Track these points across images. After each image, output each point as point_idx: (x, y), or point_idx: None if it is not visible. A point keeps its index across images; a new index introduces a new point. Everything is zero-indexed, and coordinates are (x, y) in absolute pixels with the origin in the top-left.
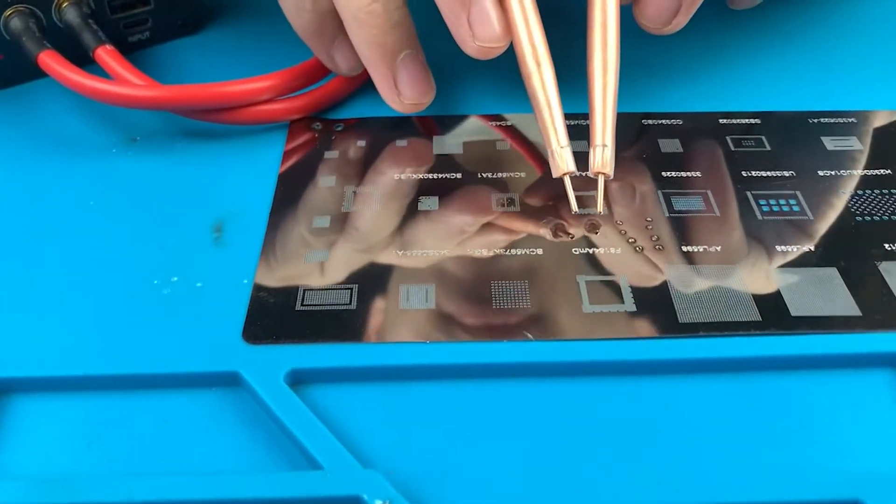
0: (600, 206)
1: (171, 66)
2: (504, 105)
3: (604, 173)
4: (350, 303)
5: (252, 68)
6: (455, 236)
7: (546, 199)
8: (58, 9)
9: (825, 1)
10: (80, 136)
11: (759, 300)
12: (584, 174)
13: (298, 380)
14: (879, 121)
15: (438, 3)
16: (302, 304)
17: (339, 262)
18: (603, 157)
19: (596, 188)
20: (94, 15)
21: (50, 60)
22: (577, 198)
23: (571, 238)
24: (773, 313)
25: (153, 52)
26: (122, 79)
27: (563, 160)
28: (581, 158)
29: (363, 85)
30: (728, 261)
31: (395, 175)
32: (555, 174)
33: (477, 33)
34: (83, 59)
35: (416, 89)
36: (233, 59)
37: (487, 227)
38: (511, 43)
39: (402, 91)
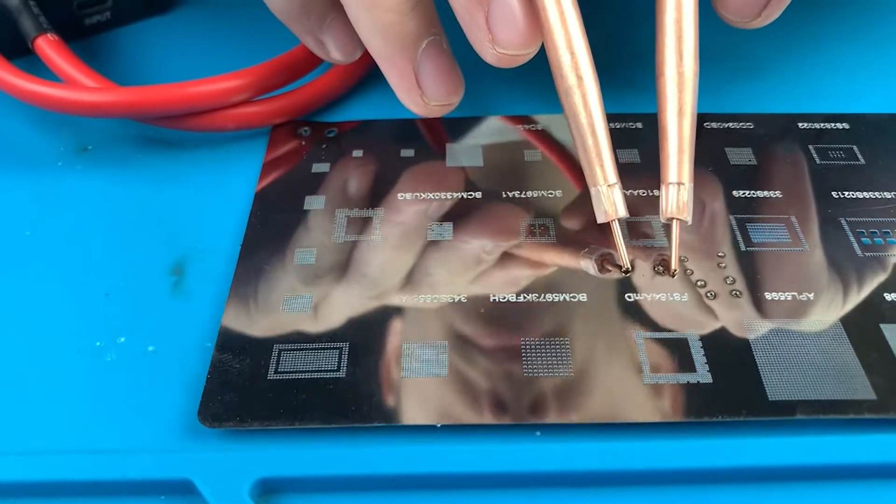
0: (675, 261)
1: (132, 53)
2: (533, 104)
3: (680, 219)
4: (338, 369)
5: (228, 55)
6: (471, 268)
7: (587, 223)
8: None
9: None
10: (20, 144)
11: (871, 369)
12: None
13: (271, 488)
14: None
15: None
16: (276, 372)
17: (330, 311)
18: (678, 198)
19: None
20: None
21: None
22: (629, 224)
23: (626, 274)
24: (893, 388)
25: (113, 36)
26: (66, 76)
27: (610, 202)
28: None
29: (362, 80)
30: (825, 314)
31: (399, 195)
32: (600, 219)
33: (497, 37)
34: (21, 50)
35: (444, 86)
36: (206, 43)
37: (511, 258)
38: (543, 47)
39: (427, 90)
